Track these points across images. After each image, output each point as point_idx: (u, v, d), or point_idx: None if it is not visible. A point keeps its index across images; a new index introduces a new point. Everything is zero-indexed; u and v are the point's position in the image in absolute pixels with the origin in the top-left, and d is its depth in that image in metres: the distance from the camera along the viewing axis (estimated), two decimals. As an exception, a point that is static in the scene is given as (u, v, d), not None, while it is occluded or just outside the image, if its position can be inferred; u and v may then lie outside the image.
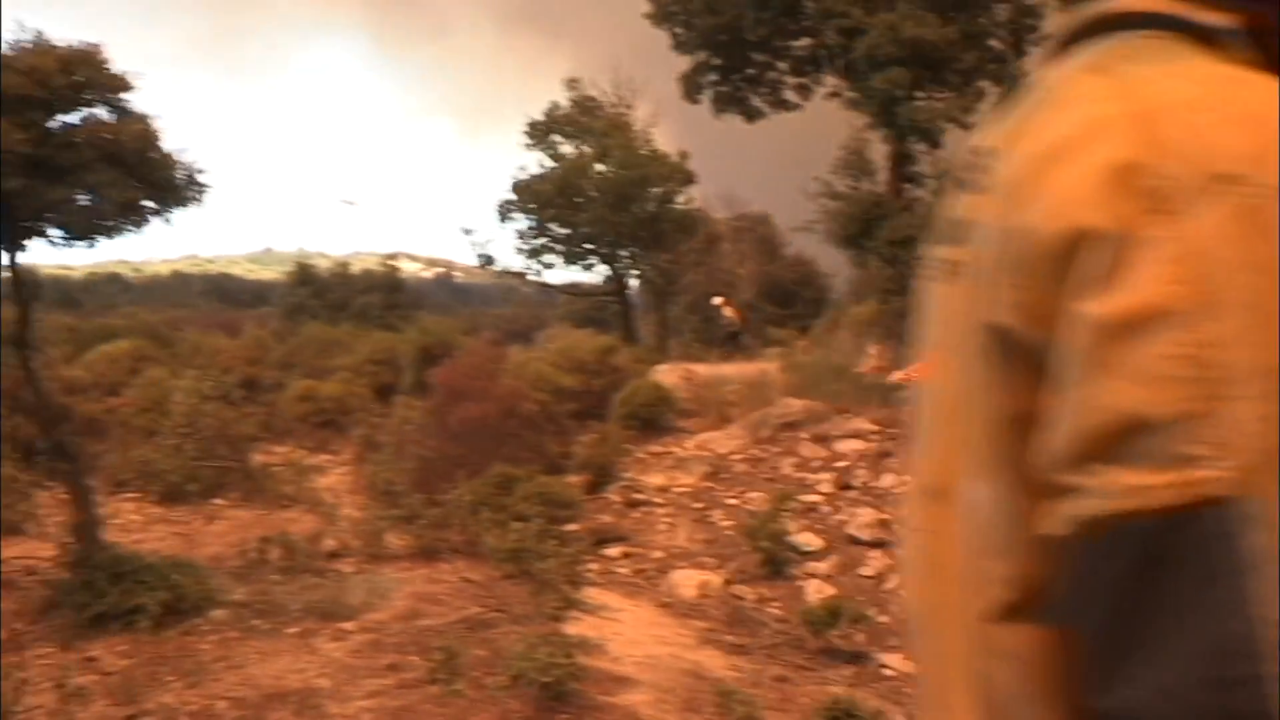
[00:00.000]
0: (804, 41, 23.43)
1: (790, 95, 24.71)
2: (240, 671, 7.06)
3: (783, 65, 24.24)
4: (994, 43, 20.42)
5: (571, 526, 11.09)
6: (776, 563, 10.34)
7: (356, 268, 33.45)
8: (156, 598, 7.75)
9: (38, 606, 8.16)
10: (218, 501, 12.54)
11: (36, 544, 10.09)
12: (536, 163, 28.89)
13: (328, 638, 7.69)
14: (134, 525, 11.63)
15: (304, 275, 28.82)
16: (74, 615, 7.80)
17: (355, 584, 8.90)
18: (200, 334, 24.34)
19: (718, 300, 25.53)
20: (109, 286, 64.66)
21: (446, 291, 78.18)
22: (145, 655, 7.35)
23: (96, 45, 8.06)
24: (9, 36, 7.89)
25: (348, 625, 7.92)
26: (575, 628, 7.70)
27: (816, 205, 21.97)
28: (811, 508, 12.00)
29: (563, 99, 29.17)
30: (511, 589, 8.66)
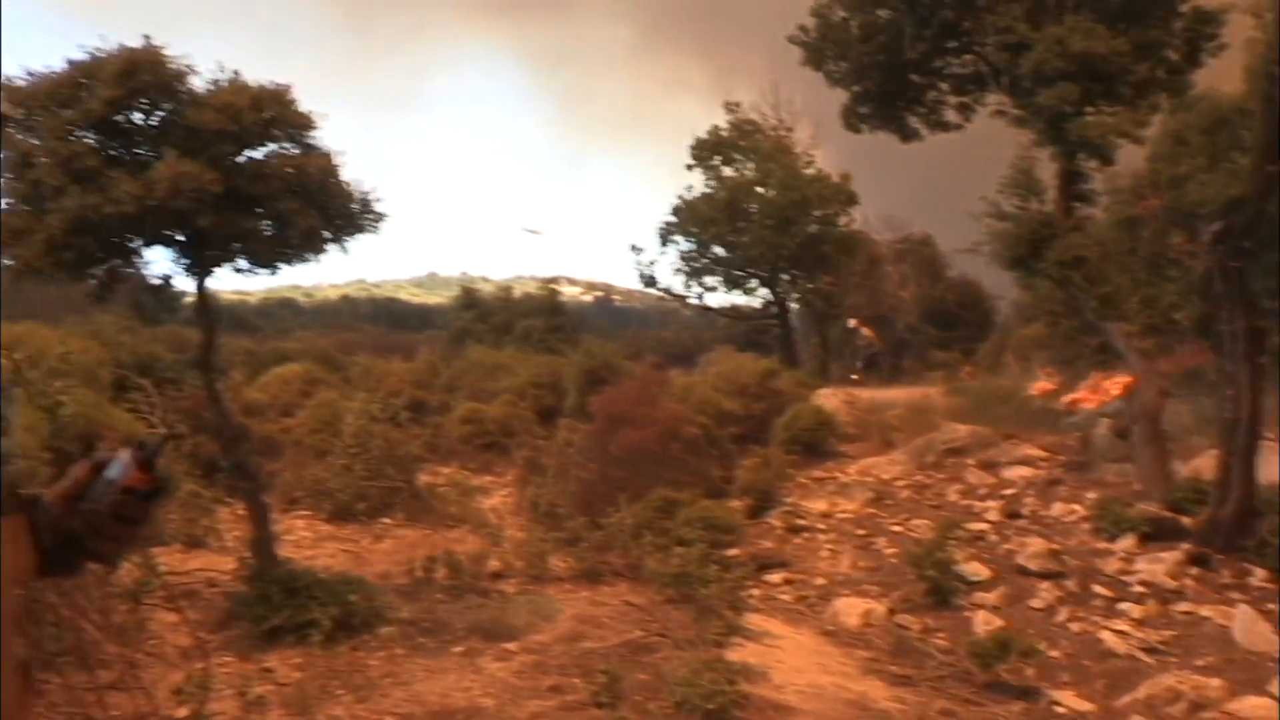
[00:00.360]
0: (965, 59, 22.91)
1: (951, 115, 24.19)
2: (407, 688, 7.21)
3: (943, 85, 23.75)
4: (1169, 53, 19.62)
5: (733, 552, 11.03)
6: (942, 592, 10.07)
7: (518, 291, 34.09)
8: (328, 613, 7.98)
9: (218, 617, 8.50)
10: (385, 520, 12.91)
11: (217, 557, 10.53)
12: (695, 185, 28.99)
13: (492, 657, 7.80)
14: (306, 542, 12.05)
15: (469, 299, 29.50)
16: (251, 627, 8.10)
17: (519, 605, 9.03)
18: (369, 357, 25.12)
19: (853, 322, 25.18)
20: (282, 311, 67.14)
21: (606, 314, 78.96)
22: (317, 669, 7.58)
23: (286, 85, 8.43)
24: (208, 75, 8.32)
25: (511, 645, 8.03)
26: (738, 654, 7.64)
27: (981, 226, 21.42)
28: (978, 536, 11.67)
29: (706, 121, 29.24)
30: (673, 613, 8.65)
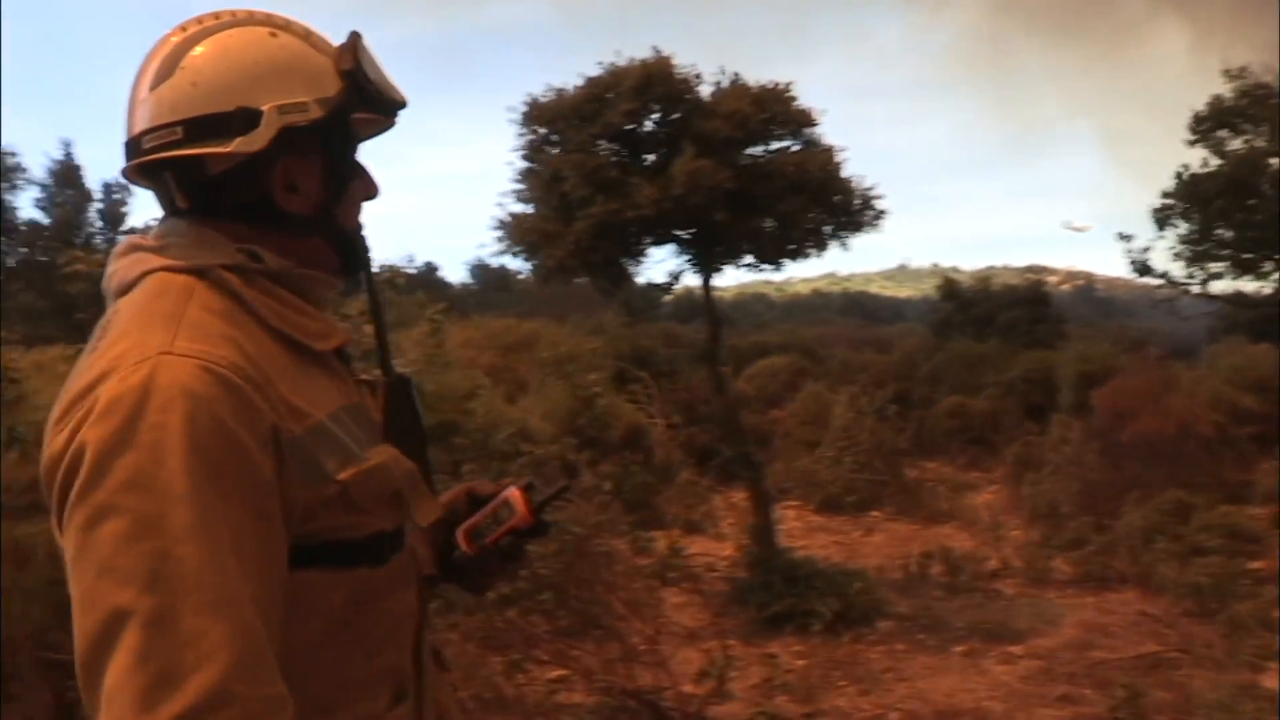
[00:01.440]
0: None
1: None
2: (910, 684, 7.13)
3: None
4: None
5: (1256, 564, 9.96)
6: None
7: (995, 282, 32.92)
8: (828, 604, 8.05)
9: (719, 602, 8.84)
10: (874, 514, 12.87)
11: (713, 543, 10.98)
12: (1191, 162, 26.42)
13: (995, 659, 7.55)
14: (796, 531, 12.25)
15: (949, 290, 28.74)
16: (752, 613, 8.33)
17: (1020, 606, 8.68)
18: (849, 350, 25.19)
19: None
20: (755, 305, 69.05)
21: (1089, 305, 74.22)
22: (819, 658, 7.66)
23: (787, 83, 8.66)
24: (711, 80, 8.72)
25: (1015, 649, 7.72)
26: (1274, 681, 6.89)
27: None
28: None
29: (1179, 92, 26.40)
30: (1195, 628, 7.94)
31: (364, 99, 1.47)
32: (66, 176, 32.64)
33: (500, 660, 5.79)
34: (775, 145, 8.74)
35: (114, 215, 33.50)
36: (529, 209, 8.97)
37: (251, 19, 1.47)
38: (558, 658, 6.02)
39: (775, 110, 8.50)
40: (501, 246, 9.08)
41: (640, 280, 9.52)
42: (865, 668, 7.46)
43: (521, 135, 8.90)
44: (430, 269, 39.41)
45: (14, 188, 30.61)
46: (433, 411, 4.76)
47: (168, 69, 1.42)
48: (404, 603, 1.50)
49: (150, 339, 1.26)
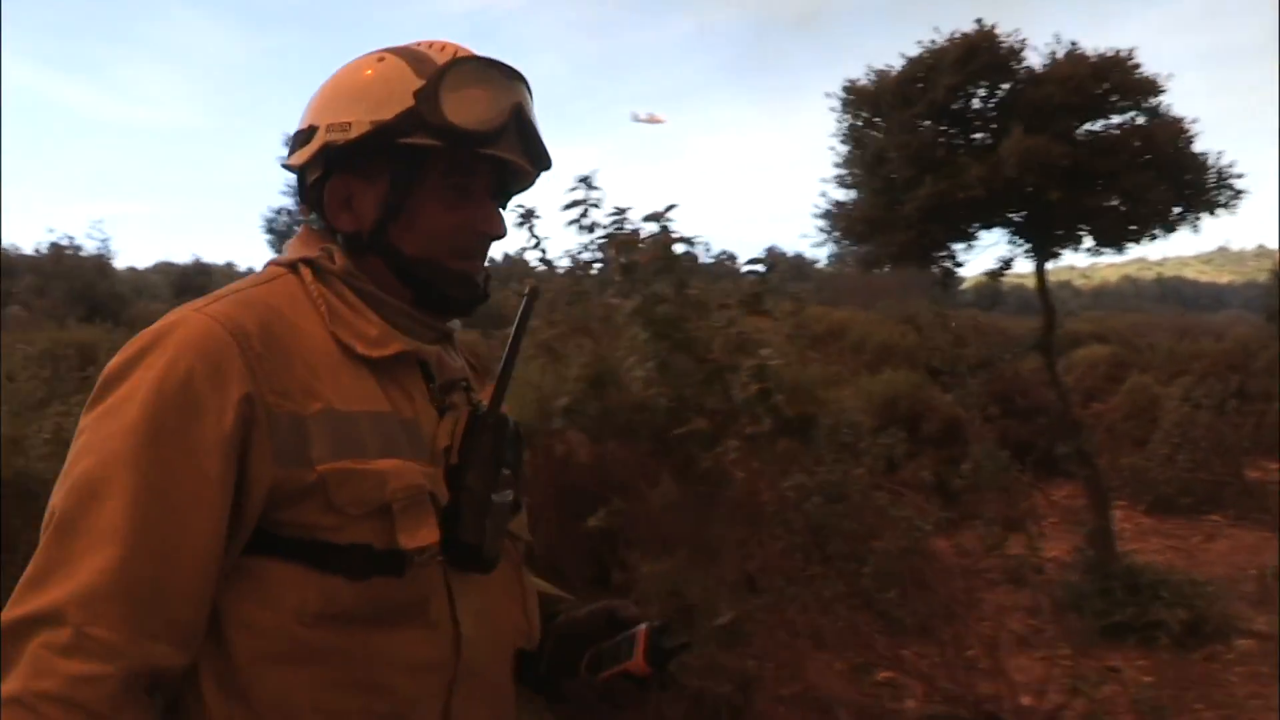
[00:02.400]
0: None
1: None
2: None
3: None
4: None
5: None
6: None
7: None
8: (1176, 615, 7.42)
9: (1049, 606, 8.29)
10: (1213, 518, 11.84)
11: (1036, 543, 10.36)
12: None
13: (1382, 694, 6.70)
14: (1126, 534, 11.41)
15: (1281, 275, 26.28)
16: (1089, 621, 7.77)
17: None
18: (1171, 339, 23.52)
19: None
20: (1060, 293, 66.09)
21: None
22: (1168, 674, 7.04)
23: (1128, 50, 7.99)
24: (1045, 50, 8.16)
25: None
26: None
27: None
28: None
29: None
30: None
31: (424, 125, 1.43)
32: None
33: (828, 657, 5.60)
34: (1116, 119, 8.08)
35: None
36: (853, 195, 8.70)
37: (404, 47, 1.51)
38: (885, 659, 5.75)
39: (1116, 79, 7.85)
40: (824, 235, 8.86)
41: (966, 267, 9.08)
42: (1225, 691, 6.78)
43: (841, 120, 8.64)
44: (728, 258, 39.65)
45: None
46: (794, 403, 4.57)
47: None
48: (414, 647, 1.40)
49: (199, 301, 1.40)
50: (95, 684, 1.18)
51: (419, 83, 1.43)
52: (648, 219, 3.78)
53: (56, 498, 1.28)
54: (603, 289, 4.52)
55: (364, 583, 1.33)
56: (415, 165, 1.47)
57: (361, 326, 1.44)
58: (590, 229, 3.98)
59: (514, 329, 1.60)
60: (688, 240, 3.78)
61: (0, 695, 1.17)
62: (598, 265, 4.56)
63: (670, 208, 3.75)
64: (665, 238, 3.64)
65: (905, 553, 5.01)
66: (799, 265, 37.93)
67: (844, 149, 8.77)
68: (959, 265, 8.60)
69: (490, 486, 1.47)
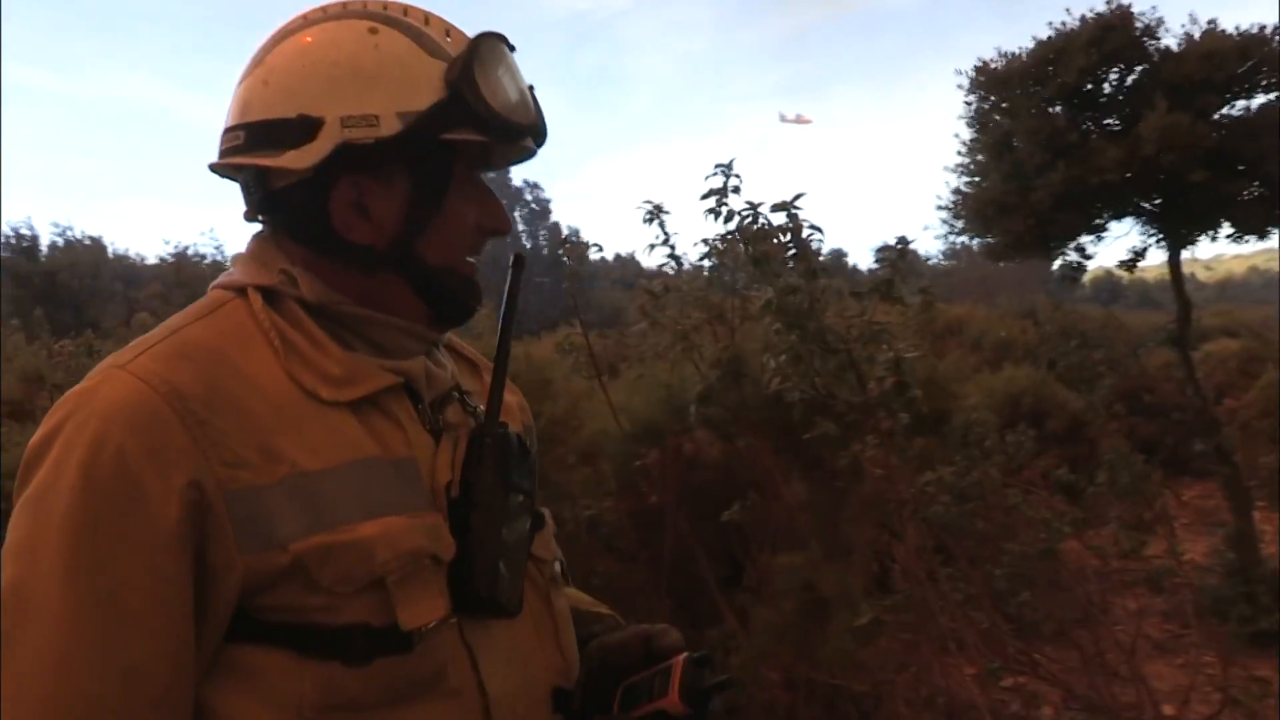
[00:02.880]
0: None
1: None
2: None
3: None
4: None
5: None
6: None
7: None
8: (1328, 624, 7.07)
9: (1186, 611, 7.97)
10: (1357, 523, 11.30)
11: (1167, 545, 9.97)
12: None
13: None
14: (1266, 536, 10.98)
15: None
16: (1231, 627, 7.46)
17: None
18: (1304, 333, 22.60)
19: None
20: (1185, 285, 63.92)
21: None
22: (1323, 686, 6.71)
23: (1274, 26, 7.64)
24: (1179, 28, 7.86)
25: None
26: None
27: None
28: None
29: None
30: None
31: (467, 116, 1.22)
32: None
33: (959, 661, 5.43)
34: (1260, 98, 7.73)
35: (537, 214, 36.32)
36: (979, 183, 8.49)
37: (364, 10, 1.26)
38: (1020, 664, 5.57)
39: (1260, 54, 7.51)
40: (949, 224, 8.67)
41: (1095, 259, 8.79)
42: (1384, 705, 6.40)
43: (969, 104, 8.42)
44: (838, 255, 39.68)
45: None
46: (929, 398, 4.43)
47: (254, 63, 1.27)
48: None
49: (127, 351, 1.16)
50: None
51: (437, 64, 1.23)
52: (776, 209, 3.67)
53: None
54: (734, 280, 4.46)
55: (367, 667, 1.14)
56: (448, 162, 1.28)
57: (323, 364, 1.21)
58: (729, 218, 3.88)
59: (504, 305, 1.40)
60: (818, 228, 3.68)
61: None
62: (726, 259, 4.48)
63: (798, 196, 3.64)
64: (796, 225, 3.54)
65: (1041, 554, 4.80)
66: (912, 261, 37.62)
67: (969, 134, 8.57)
68: (1087, 257, 8.32)
69: (501, 521, 1.27)
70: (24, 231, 37.42)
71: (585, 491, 4.77)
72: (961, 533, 5.12)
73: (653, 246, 4.28)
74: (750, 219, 3.62)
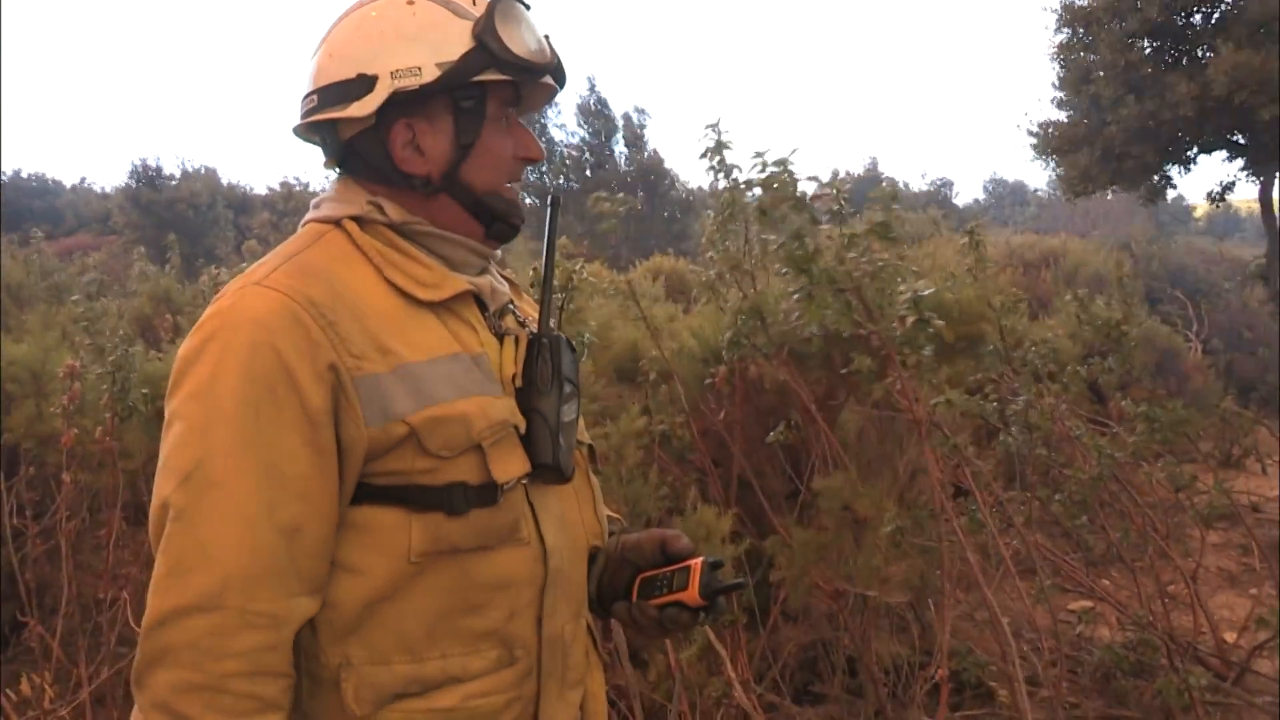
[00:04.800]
0: None
1: None
2: None
3: None
4: None
5: None
6: None
7: None
8: None
9: (1266, 544, 7.97)
10: None
11: (1256, 480, 9.91)
12: None
13: None
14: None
15: None
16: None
17: None
18: None
19: None
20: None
21: None
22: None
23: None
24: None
25: None
26: None
27: None
28: None
29: None
30: None
31: (493, 61, 1.49)
32: (594, 109, 36.95)
33: (1018, 582, 5.60)
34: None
35: (635, 139, 36.66)
36: (1061, 116, 8.47)
37: None
38: (1083, 588, 5.73)
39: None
40: (1029, 155, 8.66)
41: (1179, 191, 8.69)
42: None
43: (1056, 38, 8.39)
44: (941, 185, 39.01)
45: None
46: (962, 324, 4.63)
47: (321, 41, 1.56)
48: (511, 566, 1.49)
49: (257, 271, 1.43)
50: (273, 651, 1.31)
51: (465, 23, 1.50)
52: (775, 164, 3.89)
53: (166, 489, 1.31)
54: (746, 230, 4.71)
55: (464, 517, 1.43)
56: (481, 101, 1.54)
57: (417, 272, 1.50)
58: (727, 173, 4.21)
59: (546, 241, 1.71)
60: (818, 180, 3.93)
61: (163, 686, 1.28)
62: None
63: (793, 151, 3.86)
64: (791, 179, 3.78)
65: (1097, 480, 4.96)
66: (1018, 191, 36.82)
67: (1057, 68, 8.55)
68: (1172, 186, 8.26)
69: (557, 405, 1.55)
70: (150, 163, 38.72)
71: (660, 408, 5.09)
72: (1023, 460, 5.31)
73: (714, 182, 4.50)
74: (760, 170, 3.84)
